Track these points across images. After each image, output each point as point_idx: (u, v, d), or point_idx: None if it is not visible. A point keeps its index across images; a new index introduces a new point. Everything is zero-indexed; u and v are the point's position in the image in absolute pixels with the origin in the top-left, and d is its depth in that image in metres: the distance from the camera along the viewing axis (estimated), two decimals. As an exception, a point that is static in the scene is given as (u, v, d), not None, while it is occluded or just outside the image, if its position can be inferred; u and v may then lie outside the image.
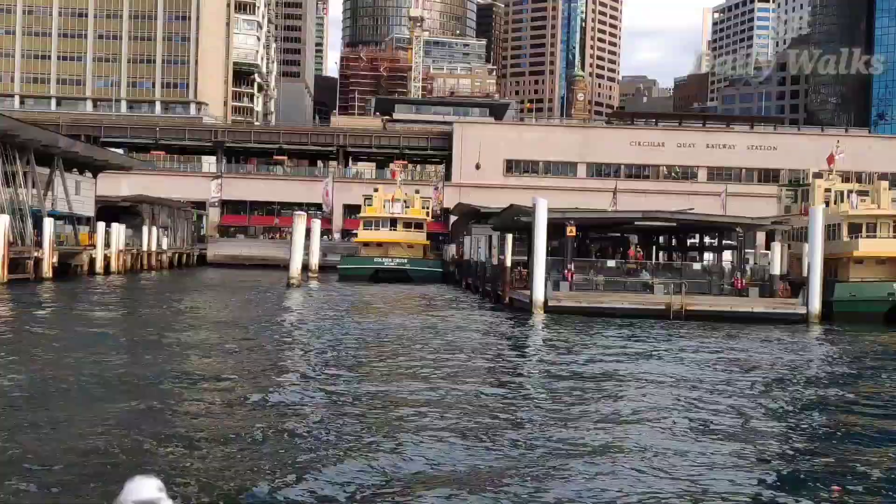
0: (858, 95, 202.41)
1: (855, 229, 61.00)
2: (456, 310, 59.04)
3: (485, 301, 67.04)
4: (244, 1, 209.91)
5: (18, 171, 73.24)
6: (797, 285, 61.07)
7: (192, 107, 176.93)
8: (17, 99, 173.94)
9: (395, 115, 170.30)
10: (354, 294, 70.74)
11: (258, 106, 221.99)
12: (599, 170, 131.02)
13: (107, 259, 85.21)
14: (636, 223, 60.96)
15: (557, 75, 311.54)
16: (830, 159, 72.41)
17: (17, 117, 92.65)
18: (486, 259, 71.40)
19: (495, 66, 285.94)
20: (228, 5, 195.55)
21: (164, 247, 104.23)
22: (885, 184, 69.17)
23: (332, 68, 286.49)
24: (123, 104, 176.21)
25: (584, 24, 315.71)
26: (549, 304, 55.05)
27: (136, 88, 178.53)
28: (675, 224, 61.22)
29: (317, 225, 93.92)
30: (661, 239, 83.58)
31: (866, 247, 59.26)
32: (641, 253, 79.18)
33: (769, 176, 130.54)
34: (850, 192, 69.01)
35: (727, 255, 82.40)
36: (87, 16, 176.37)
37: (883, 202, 68.04)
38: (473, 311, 58.70)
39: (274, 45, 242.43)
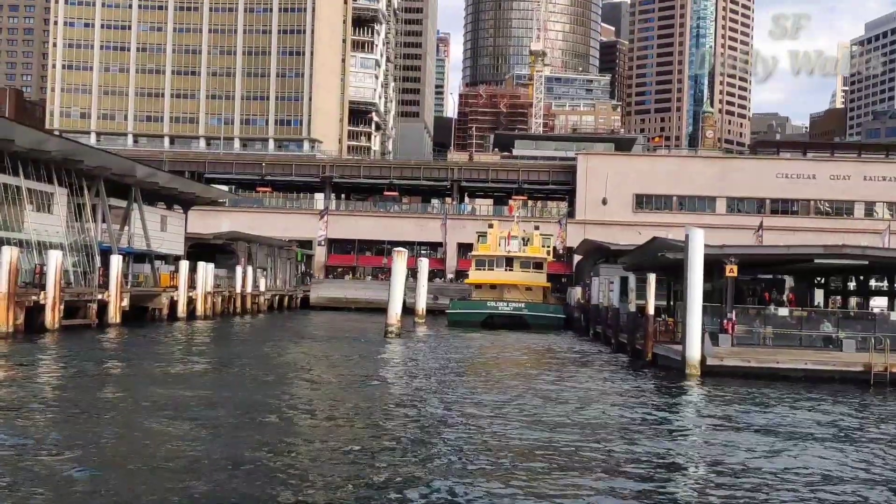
0: None
1: None
2: (587, 369, 46.30)
3: (619, 356, 54.03)
4: (361, 39, 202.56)
5: (86, 203, 63.84)
6: None
7: (306, 144, 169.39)
8: (130, 138, 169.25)
9: (515, 152, 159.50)
10: (462, 346, 58.69)
11: (375, 145, 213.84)
12: (740, 205, 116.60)
13: (192, 302, 75.30)
14: (816, 261, 47.31)
15: (685, 112, 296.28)
16: None
17: (125, 155, 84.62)
18: (620, 304, 58.47)
19: (620, 103, 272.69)
20: (344, 41, 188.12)
21: (262, 288, 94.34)
22: None
23: (452, 110, 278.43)
24: (236, 142, 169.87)
25: (712, 60, 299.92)
26: (707, 362, 41.90)
27: (249, 126, 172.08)
28: (866, 262, 47.34)
29: (424, 264, 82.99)
30: (824, 280, 69.18)
31: None
32: (791, 297, 65.35)
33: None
34: None
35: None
36: (200, 52, 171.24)
37: None
38: (608, 371, 45.83)
39: (392, 85, 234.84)
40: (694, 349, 42.16)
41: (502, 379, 40.95)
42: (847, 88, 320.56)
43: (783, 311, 49.91)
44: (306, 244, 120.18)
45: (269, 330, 72.22)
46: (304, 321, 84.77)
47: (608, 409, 32.47)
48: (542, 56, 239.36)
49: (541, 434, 26.27)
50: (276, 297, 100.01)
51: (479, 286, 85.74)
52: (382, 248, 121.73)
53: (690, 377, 41.28)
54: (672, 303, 63.86)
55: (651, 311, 47.45)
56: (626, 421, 30.13)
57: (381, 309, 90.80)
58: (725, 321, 46.74)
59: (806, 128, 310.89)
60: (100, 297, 60.10)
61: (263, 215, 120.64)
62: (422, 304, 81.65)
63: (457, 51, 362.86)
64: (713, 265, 45.14)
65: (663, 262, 51.53)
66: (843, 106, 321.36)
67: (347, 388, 36.19)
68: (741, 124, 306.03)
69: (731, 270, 46.56)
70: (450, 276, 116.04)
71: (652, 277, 47.52)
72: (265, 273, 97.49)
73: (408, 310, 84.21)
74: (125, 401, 30.33)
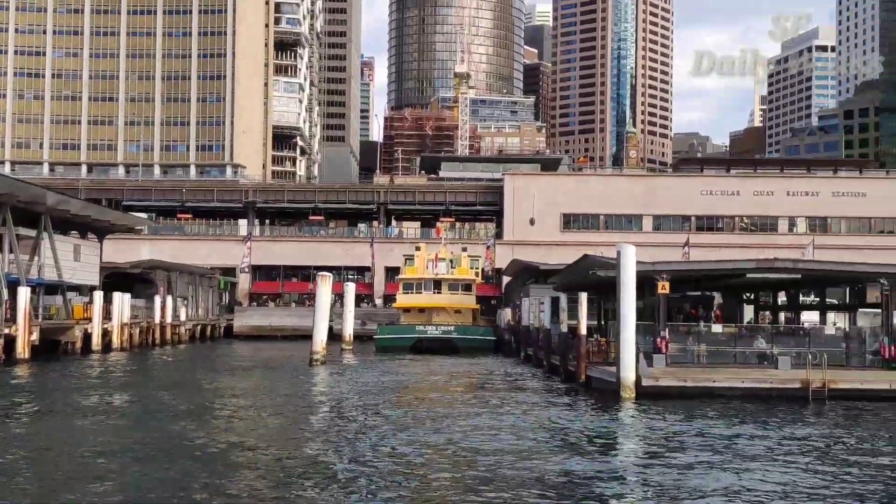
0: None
1: None
2: (519, 393, 44.49)
3: (552, 378, 52.37)
4: (284, 63, 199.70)
5: (-10, 232, 60.39)
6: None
7: (228, 170, 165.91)
8: (45, 166, 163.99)
9: (442, 173, 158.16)
10: (390, 372, 56.52)
11: (301, 170, 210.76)
12: (666, 222, 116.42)
13: (108, 334, 71.84)
14: (749, 275, 46.30)
15: (608, 133, 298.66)
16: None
17: (38, 183, 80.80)
18: (552, 325, 56.88)
19: (544, 124, 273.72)
20: (266, 65, 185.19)
21: (183, 318, 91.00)
22: None
23: (377, 134, 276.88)
24: (156, 169, 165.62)
25: (634, 81, 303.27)
26: (643, 383, 40.41)
27: (170, 152, 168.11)
28: (798, 276, 46.41)
29: (350, 289, 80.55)
30: (754, 296, 68.64)
31: None
32: (718, 313, 64.60)
33: (859, 225, 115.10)
34: None
35: (831, 317, 67.43)
36: (117, 78, 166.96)
37: None
38: (541, 395, 44.10)
39: (317, 109, 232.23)
40: (628, 370, 40.65)
41: (431, 405, 38.95)
42: (765, 107, 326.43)
43: (716, 328, 48.84)
44: (230, 271, 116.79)
45: (189, 361, 69.18)
46: (226, 351, 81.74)
47: (542, 435, 30.73)
48: (467, 78, 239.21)
49: (472, 464, 24.35)
50: (198, 327, 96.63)
51: (407, 310, 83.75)
52: (308, 274, 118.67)
53: (626, 399, 39.76)
54: (603, 322, 62.61)
55: (583, 331, 45.86)
56: (562, 447, 28.44)
57: (307, 336, 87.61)
58: (659, 340, 45.39)
59: (726, 146, 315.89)
60: (6, 331, 56.66)
61: (185, 243, 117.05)
62: (349, 330, 79.22)
63: (381, 74, 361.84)
64: (644, 282, 43.72)
65: (594, 281, 50.15)
66: (761, 124, 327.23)
67: (264, 420, 33.86)
68: (663, 144, 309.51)
69: (664, 287, 45.26)
70: (378, 300, 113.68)
71: (583, 297, 45.98)
72: (186, 302, 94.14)
73: (335, 336, 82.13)
74: (31, 439, 27.72)
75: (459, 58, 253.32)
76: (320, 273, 63.05)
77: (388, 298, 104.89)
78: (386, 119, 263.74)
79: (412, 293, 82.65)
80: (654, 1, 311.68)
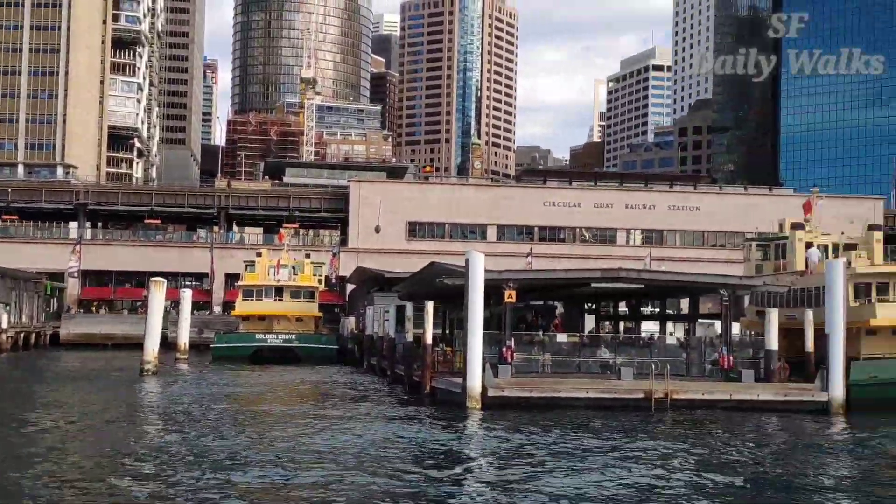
0: (758, 160, 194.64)
1: (863, 292, 47.12)
2: (361, 405, 42.75)
3: (396, 389, 50.85)
4: (122, 62, 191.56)
5: None
6: (798, 364, 46.95)
7: (60, 170, 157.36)
8: None
9: (286, 179, 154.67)
10: (225, 384, 53.78)
11: (138, 172, 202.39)
12: (510, 232, 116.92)
13: (-86, 343, 66.17)
14: (594, 285, 46.00)
15: (453, 143, 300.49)
16: (807, 208, 59.09)
17: None
18: (397, 334, 55.42)
19: (391, 133, 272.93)
20: (103, 63, 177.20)
21: (4, 325, 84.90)
22: (878, 234, 55.98)
23: (220, 137, 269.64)
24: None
25: (479, 93, 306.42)
26: (489, 393, 39.43)
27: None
28: (642, 286, 46.44)
29: (187, 295, 77.17)
30: (595, 306, 69.04)
31: (886, 313, 45.21)
32: (558, 323, 64.79)
33: (693, 238, 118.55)
34: (836, 245, 55.70)
35: (670, 327, 68.57)
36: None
37: (877, 257, 54.78)
38: (385, 406, 42.47)
39: (157, 110, 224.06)
40: (475, 380, 39.70)
41: (267, 419, 36.77)
42: (604, 123, 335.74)
43: (561, 338, 48.45)
44: (58, 276, 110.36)
45: (8, 371, 64.33)
46: (51, 360, 76.60)
47: (385, 448, 29.12)
48: (313, 84, 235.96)
49: (308, 481, 22.50)
50: (22, 335, 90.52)
51: (246, 318, 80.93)
52: (143, 280, 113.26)
53: (472, 410, 38.79)
54: (449, 331, 61.64)
55: (429, 340, 44.52)
56: (405, 459, 26.92)
57: (140, 345, 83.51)
58: (504, 349, 44.52)
59: (566, 160, 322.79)
60: None
61: (9, 245, 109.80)
62: (184, 339, 75.74)
63: (225, 78, 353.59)
64: (490, 291, 42.74)
65: (441, 289, 48.99)
66: (600, 140, 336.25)
67: (83, 435, 30.95)
68: (507, 156, 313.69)
69: (510, 296, 44.42)
70: (217, 308, 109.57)
71: (430, 305, 44.66)
72: (7, 308, 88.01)
73: (170, 345, 78.48)
74: None
75: (306, 63, 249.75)
76: (153, 279, 59.65)
77: (228, 306, 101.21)
78: (229, 123, 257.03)
79: (252, 300, 79.83)
80: (499, 16, 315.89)
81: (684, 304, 79.80)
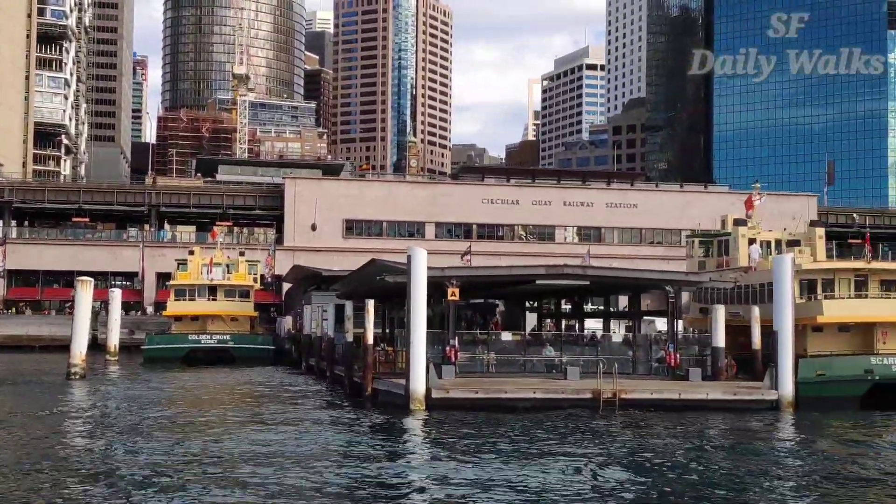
0: (691, 158, 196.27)
1: (808, 288, 46.66)
2: (299, 407, 41.06)
3: (336, 390, 49.23)
4: (48, 57, 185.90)
5: None
6: (744, 362, 46.40)
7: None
8: None
9: (219, 177, 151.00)
10: (157, 387, 51.59)
11: (66, 170, 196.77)
12: (450, 230, 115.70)
13: None
14: (538, 282, 44.87)
15: (389, 142, 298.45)
16: (749, 204, 58.72)
17: None
18: (336, 334, 53.78)
19: (325, 131, 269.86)
20: (27, 57, 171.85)
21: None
22: (820, 231, 55.78)
23: (150, 134, 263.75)
24: None
25: (414, 91, 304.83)
26: (433, 395, 38.07)
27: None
28: (587, 283, 45.43)
29: (116, 295, 74.61)
30: (537, 303, 68.11)
31: (833, 310, 44.74)
32: (497, 321, 63.75)
33: (631, 235, 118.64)
34: (778, 241, 55.39)
35: (614, 325, 67.96)
36: None
37: (820, 253, 54.55)
38: (324, 410, 40.83)
39: (84, 107, 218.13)
40: (418, 382, 38.37)
41: (199, 425, 34.89)
42: (539, 122, 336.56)
43: (506, 336, 47.28)
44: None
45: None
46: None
47: (324, 454, 27.57)
48: (246, 80, 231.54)
49: (242, 490, 20.90)
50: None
51: (179, 318, 78.67)
52: (72, 280, 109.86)
53: (415, 412, 37.46)
54: (389, 331, 60.14)
55: (370, 340, 42.95)
56: (345, 465, 25.39)
57: (68, 346, 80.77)
58: (448, 349, 43.20)
59: (502, 159, 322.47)
60: None
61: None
62: (114, 340, 73.31)
63: (155, 75, 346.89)
64: (433, 289, 41.37)
65: (381, 287, 47.45)
66: (535, 138, 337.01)
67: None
68: (443, 154, 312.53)
69: (454, 294, 43.15)
70: (149, 308, 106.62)
71: (371, 304, 43.04)
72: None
73: (100, 347, 75.88)
74: None
75: (238, 59, 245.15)
76: (79, 278, 57.12)
77: (160, 306, 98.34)
78: (160, 119, 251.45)
79: (185, 300, 77.77)
80: (433, 13, 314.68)
81: (622, 301, 79.69)
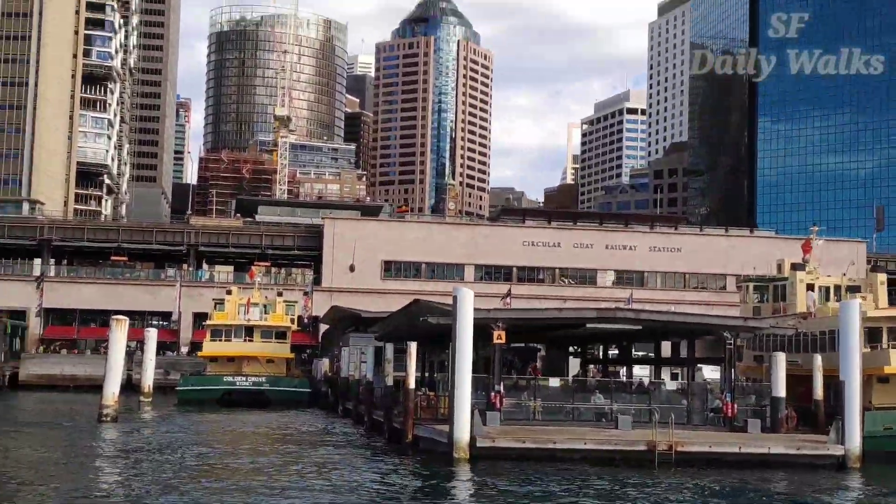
0: (733, 202, 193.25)
1: (871, 336, 44.07)
2: (337, 455, 39.07)
3: (375, 437, 47.18)
4: (93, 97, 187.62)
5: None
6: (804, 413, 43.89)
7: (25, 206, 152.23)
8: None
9: (258, 217, 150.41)
10: (191, 430, 49.86)
11: (107, 209, 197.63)
12: (489, 272, 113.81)
13: None
14: (588, 325, 42.78)
15: (427, 184, 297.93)
16: (807, 247, 56.24)
17: None
18: (375, 377, 51.86)
19: (365, 172, 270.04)
20: (73, 97, 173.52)
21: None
22: (882, 276, 53.18)
23: (192, 176, 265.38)
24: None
25: (454, 134, 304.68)
26: (478, 444, 35.95)
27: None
28: (639, 327, 43.29)
29: (152, 335, 73.40)
30: (580, 349, 65.76)
31: (903, 360, 42.14)
32: (536, 366, 61.46)
33: (674, 280, 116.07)
34: (837, 286, 52.86)
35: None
36: None
37: (882, 299, 51.92)
38: (363, 458, 38.81)
39: (127, 147, 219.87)
40: (462, 429, 36.26)
41: (232, 471, 32.99)
42: (577, 166, 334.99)
43: (553, 382, 45.09)
44: (21, 314, 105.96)
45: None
46: (8, 403, 72.11)
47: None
48: (287, 122, 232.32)
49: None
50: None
51: (214, 359, 76.66)
52: (108, 320, 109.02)
53: (459, 462, 35.33)
54: (429, 374, 58.17)
55: (412, 384, 41.02)
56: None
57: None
58: (493, 394, 41.17)
59: (540, 202, 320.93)
60: None
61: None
62: (149, 381, 71.97)
63: (198, 118, 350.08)
64: (477, 332, 39.38)
65: (422, 329, 45.61)
66: (573, 182, 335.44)
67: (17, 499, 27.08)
68: (481, 197, 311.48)
69: (500, 337, 41.25)
70: (184, 348, 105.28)
71: (413, 346, 41.18)
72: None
73: (135, 387, 74.60)
74: None
75: (280, 101, 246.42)
76: (114, 317, 55.78)
77: (196, 346, 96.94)
78: (201, 160, 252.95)
79: (221, 340, 75.79)
80: (473, 57, 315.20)
81: (664, 347, 77.20)
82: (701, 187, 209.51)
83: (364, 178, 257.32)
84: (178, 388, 73.97)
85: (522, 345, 62.51)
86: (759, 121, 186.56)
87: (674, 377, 57.43)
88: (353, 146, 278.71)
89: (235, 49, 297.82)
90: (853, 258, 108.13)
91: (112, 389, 53.19)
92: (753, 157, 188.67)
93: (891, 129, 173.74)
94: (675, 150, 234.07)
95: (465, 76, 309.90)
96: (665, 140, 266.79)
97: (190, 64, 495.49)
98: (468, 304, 36.74)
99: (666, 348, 58.12)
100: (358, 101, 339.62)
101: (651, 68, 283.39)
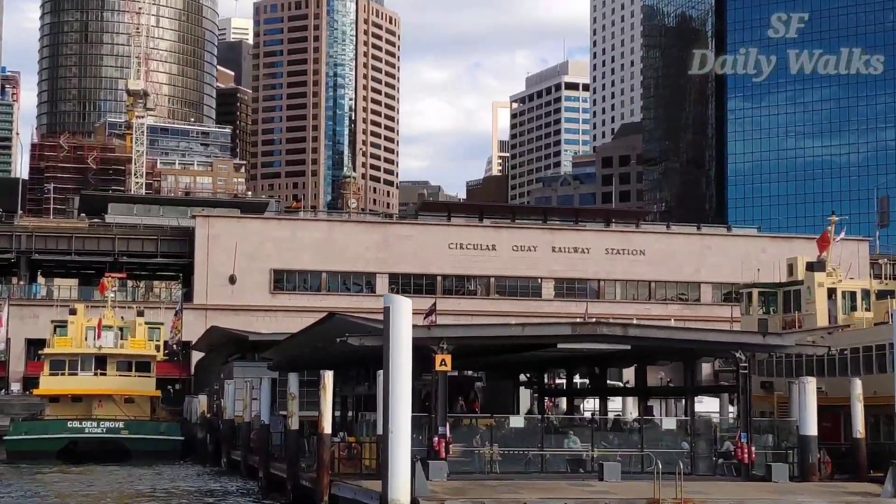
0: (697, 196, 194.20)
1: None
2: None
3: (273, 498, 43.82)
4: None
5: None
6: (836, 454, 41.77)
7: None
8: None
9: (109, 217, 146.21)
10: (22, 496, 45.59)
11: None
12: (407, 283, 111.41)
13: None
14: (561, 345, 39.84)
15: (322, 177, 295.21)
16: (824, 242, 54.23)
17: None
18: (272, 419, 48.61)
19: (244, 162, 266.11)
20: None
21: None
22: (921, 277, 51.31)
23: (22, 169, 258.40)
24: None
25: (353, 115, 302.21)
26: (421, 507, 32.91)
27: None
28: (628, 347, 40.46)
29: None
30: (535, 377, 63.20)
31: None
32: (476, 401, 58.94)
33: (637, 289, 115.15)
34: (865, 291, 50.99)
35: (627, 403, 63.29)
36: None
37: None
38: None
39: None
40: (400, 488, 32.99)
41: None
42: (506, 154, 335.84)
43: (516, 422, 42.05)
44: None
45: None
46: None
47: None
48: (144, 98, 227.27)
49: None
50: None
51: (55, 398, 74.53)
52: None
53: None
54: (344, 413, 55.02)
55: (328, 427, 37.61)
56: None
57: None
58: (437, 439, 37.88)
59: (462, 198, 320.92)
60: None
61: None
62: (-35, 429, 67.84)
63: (30, 96, 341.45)
64: (413, 355, 36.10)
65: (338, 355, 42.14)
66: (501, 173, 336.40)
67: None
68: (388, 192, 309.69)
69: (444, 362, 37.96)
70: (15, 385, 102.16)
71: (329, 376, 37.66)
72: None
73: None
74: None
75: (134, 73, 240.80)
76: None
77: (30, 382, 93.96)
78: (34, 147, 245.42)
79: (63, 374, 73.80)
80: (376, 21, 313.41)
81: (625, 374, 75.08)
82: (657, 178, 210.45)
83: (243, 170, 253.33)
84: (5, 438, 71.34)
85: (455, 373, 59.74)
86: (729, 98, 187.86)
87: (647, 411, 55.05)
88: (227, 129, 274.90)
89: (76, 9, 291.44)
90: (854, 259, 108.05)
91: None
92: (722, 142, 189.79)
93: (888, 106, 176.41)
94: (625, 133, 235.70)
95: (365, 43, 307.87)
96: (613, 121, 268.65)
97: (18, 30, 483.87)
98: (405, 318, 33.50)
99: (628, 376, 55.91)
100: (233, 74, 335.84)
101: (595, 33, 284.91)
